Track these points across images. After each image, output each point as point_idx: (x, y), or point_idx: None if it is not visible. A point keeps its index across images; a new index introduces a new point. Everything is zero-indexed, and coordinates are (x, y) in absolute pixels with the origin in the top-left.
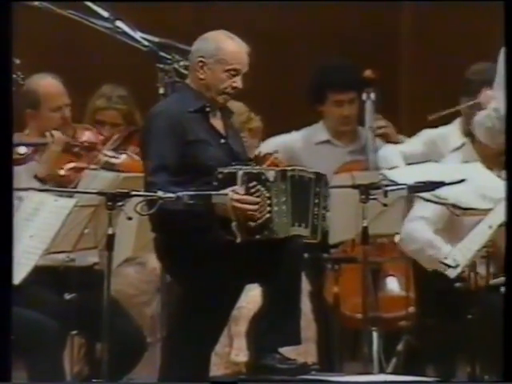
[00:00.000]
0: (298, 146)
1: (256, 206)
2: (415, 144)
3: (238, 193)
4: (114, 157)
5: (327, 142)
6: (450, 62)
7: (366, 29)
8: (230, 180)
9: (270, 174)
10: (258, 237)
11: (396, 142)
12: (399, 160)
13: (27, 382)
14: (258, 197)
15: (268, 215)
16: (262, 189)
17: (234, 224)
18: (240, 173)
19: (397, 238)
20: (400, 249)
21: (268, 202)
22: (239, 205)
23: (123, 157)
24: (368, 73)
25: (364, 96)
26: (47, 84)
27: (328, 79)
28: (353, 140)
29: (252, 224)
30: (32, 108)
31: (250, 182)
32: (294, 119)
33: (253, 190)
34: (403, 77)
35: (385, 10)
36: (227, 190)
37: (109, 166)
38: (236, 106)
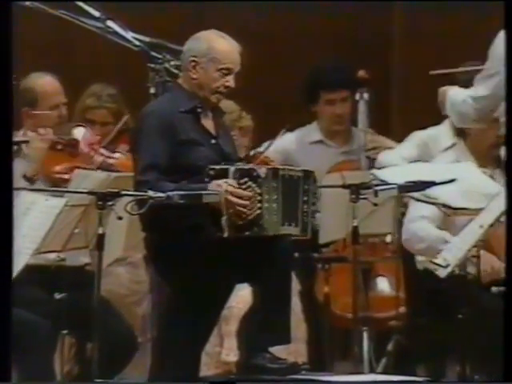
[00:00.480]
0: (292, 147)
1: (248, 202)
2: (410, 147)
3: (231, 185)
4: (110, 157)
5: (320, 142)
6: (441, 61)
7: (359, 29)
8: (222, 177)
9: (262, 171)
10: (247, 233)
11: None
12: (401, 163)
13: (27, 382)
14: (249, 193)
15: (258, 211)
16: (254, 185)
17: (223, 219)
18: (232, 169)
19: (388, 239)
20: (392, 246)
21: (258, 198)
22: (232, 198)
23: (118, 155)
24: (361, 73)
25: (357, 96)
26: (45, 82)
27: (320, 78)
28: (346, 140)
29: (242, 220)
30: (29, 106)
31: (241, 178)
32: (286, 119)
33: (244, 187)
34: (395, 77)
35: (377, 10)
36: (220, 181)
37: (106, 166)
38: (227, 104)
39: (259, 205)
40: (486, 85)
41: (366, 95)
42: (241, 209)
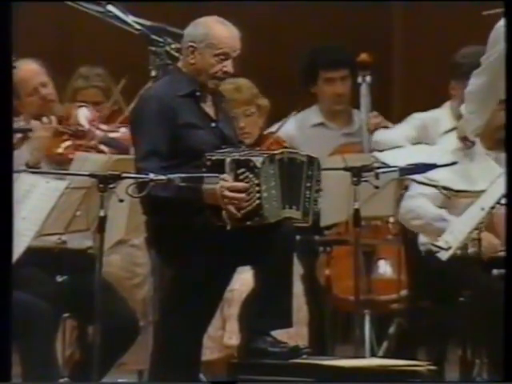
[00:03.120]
0: (293, 131)
1: (244, 194)
2: (407, 128)
3: (226, 180)
4: (112, 131)
5: (321, 124)
6: (442, 45)
7: (359, 16)
8: (219, 167)
9: (258, 161)
10: (248, 223)
11: None
12: (393, 144)
13: (27, 382)
14: (246, 183)
15: (258, 201)
16: (251, 175)
17: (224, 212)
18: (228, 160)
19: (392, 219)
20: (394, 229)
21: (257, 188)
22: (228, 193)
23: (122, 130)
24: (364, 56)
25: (360, 79)
26: (18, 71)
27: (319, 57)
28: (347, 122)
29: (242, 211)
30: (16, 98)
31: (238, 169)
32: (295, 102)
33: (241, 177)
34: (395, 61)
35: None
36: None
37: (108, 141)
38: (246, 81)
39: (258, 194)
40: (484, 71)
41: (368, 78)
42: (239, 201)
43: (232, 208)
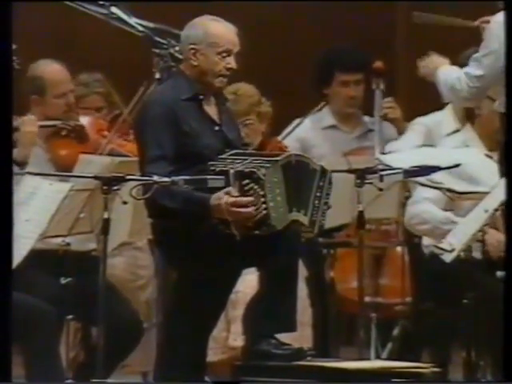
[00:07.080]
0: (308, 133)
1: (250, 209)
2: (414, 138)
3: (231, 194)
4: (120, 144)
5: (333, 127)
6: (445, 49)
7: (364, 21)
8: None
9: (261, 171)
10: (256, 232)
11: (401, 127)
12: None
13: (27, 381)
14: (252, 194)
15: (264, 211)
16: (256, 186)
17: (231, 223)
18: (231, 172)
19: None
20: (402, 232)
21: (262, 199)
22: (234, 209)
23: (125, 142)
24: (378, 64)
25: (374, 86)
26: (53, 70)
27: (335, 59)
28: (357, 125)
29: (249, 222)
30: (37, 94)
31: (242, 180)
32: (301, 107)
33: (246, 188)
34: (400, 67)
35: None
36: (221, 193)
37: (117, 153)
38: (247, 88)
39: (264, 205)
40: (481, 64)
41: (382, 85)
42: (246, 215)
43: (239, 221)
